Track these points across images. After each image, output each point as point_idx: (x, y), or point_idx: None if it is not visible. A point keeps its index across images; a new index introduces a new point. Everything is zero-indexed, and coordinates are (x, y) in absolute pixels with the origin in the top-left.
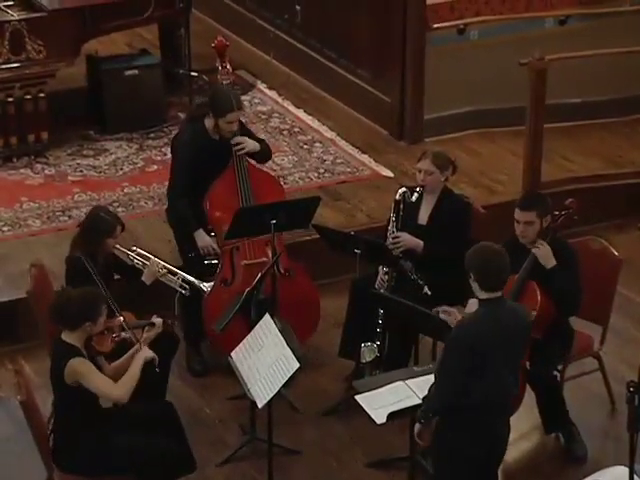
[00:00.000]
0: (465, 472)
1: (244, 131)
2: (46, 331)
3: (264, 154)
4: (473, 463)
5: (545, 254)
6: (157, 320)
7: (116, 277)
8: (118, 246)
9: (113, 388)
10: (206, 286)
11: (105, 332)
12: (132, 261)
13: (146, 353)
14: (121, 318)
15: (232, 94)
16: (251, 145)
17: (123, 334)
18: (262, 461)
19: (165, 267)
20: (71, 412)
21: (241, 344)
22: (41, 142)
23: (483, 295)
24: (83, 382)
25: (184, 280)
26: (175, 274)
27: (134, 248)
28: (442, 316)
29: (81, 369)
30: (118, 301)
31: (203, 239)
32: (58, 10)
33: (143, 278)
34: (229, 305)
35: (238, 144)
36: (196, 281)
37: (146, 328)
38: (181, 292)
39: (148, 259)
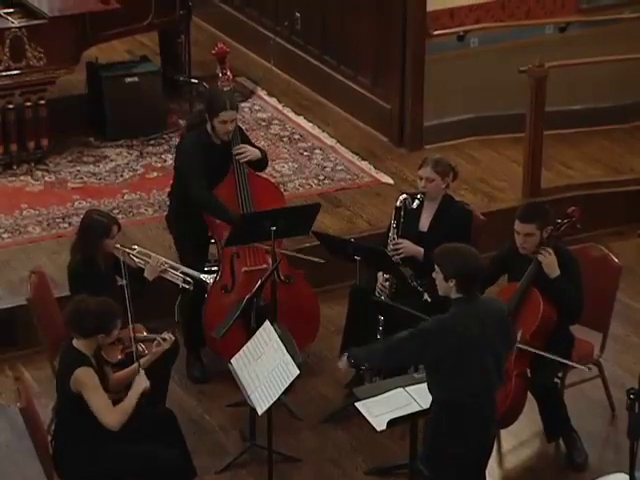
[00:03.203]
0: (447, 472)
1: (243, 139)
2: (46, 338)
3: (262, 163)
4: (454, 463)
5: (550, 263)
6: (168, 336)
7: (120, 283)
8: (118, 246)
9: (108, 413)
10: (207, 278)
11: (115, 342)
12: (133, 260)
13: (143, 383)
14: (131, 330)
15: (226, 94)
16: (253, 153)
17: (133, 346)
18: (262, 468)
19: (166, 262)
20: (72, 418)
21: (241, 351)
22: (41, 149)
23: (456, 295)
24: (84, 394)
25: (186, 274)
26: (177, 269)
27: (135, 247)
28: None
29: (86, 381)
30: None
31: None
32: (58, 17)
33: (145, 274)
34: (229, 312)
35: (240, 151)
36: (197, 273)
37: (155, 342)
38: (184, 286)
39: (149, 256)
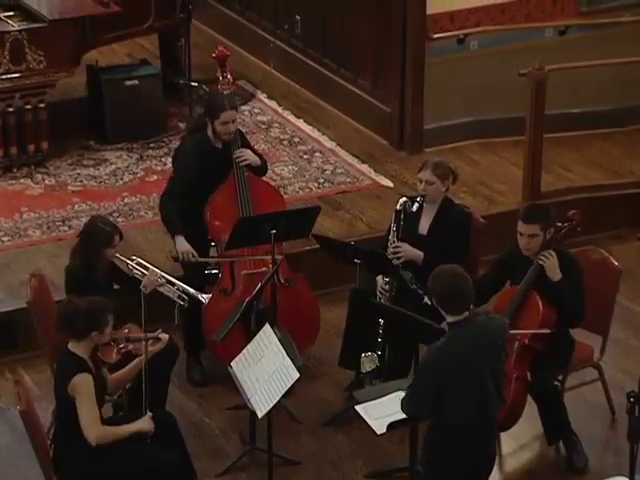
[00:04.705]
0: None
1: (244, 143)
2: (46, 341)
3: (262, 169)
4: (460, 477)
5: (552, 266)
6: (163, 335)
7: (116, 287)
8: (118, 255)
9: (93, 428)
10: (204, 297)
11: (111, 343)
12: (131, 270)
13: (146, 425)
14: (126, 330)
15: (225, 96)
16: (253, 158)
17: (128, 346)
18: (262, 471)
19: (164, 277)
20: (72, 422)
21: (241, 354)
22: (41, 152)
23: (450, 319)
24: (76, 400)
25: (182, 291)
26: (174, 284)
27: (134, 257)
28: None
29: (82, 389)
30: (118, 310)
31: (182, 244)
32: (58, 20)
33: (141, 287)
34: (229, 315)
35: (240, 156)
36: (194, 292)
37: (150, 341)
38: (179, 303)
39: (147, 268)
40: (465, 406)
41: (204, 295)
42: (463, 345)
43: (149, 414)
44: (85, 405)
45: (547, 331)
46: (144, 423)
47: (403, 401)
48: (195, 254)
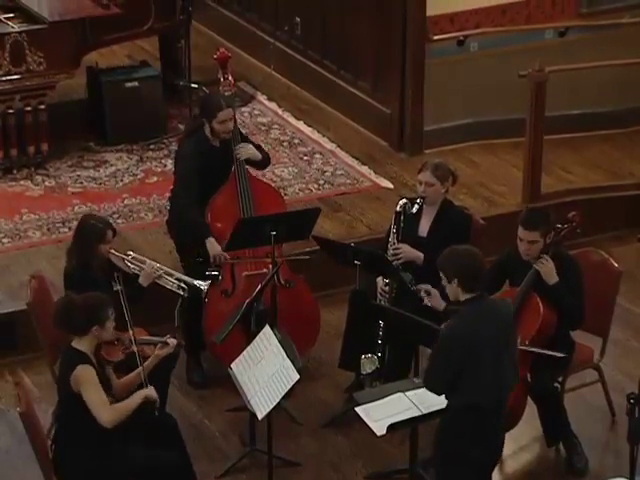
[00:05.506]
0: (465, 475)
1: (243, 138)
2: (46, 342)
3: (263, 163)
4: (473, 466)
5: (549, 271)
6: (171, 340)
7: (115, 288)
8: (113, 251)
9: (104, 410)
10: (202, 284)
11: (116, 342)
12: (128, 266)
13: (150, 392)
14: (131, 332)
15: (220, 95)
16: (252, 152)
17: (134, 347)
18: (262, 473)
19: (161, 268)
20: (73, 420)
21: (241, 355)
22: (41, 154)
23: (464, 296)
24: (82, 390)
25: (180, 280)
26: (171, 275)
27: (130, 253)
28: (423, 295)
29: (85, 378)
30: (118, 312)
31: (214, 247)
32: (58, 22)
33: (140, 280)
34: (229, 316)
35: (240, 151)
36: (190, 279)
37: (158, 345)
38: (179, 293)
39: (144, 262)
40: (481, 383)
41: (201, 282)
42: (479, 322)
43: (150, 387)
44: (91, 392)
45: (559, 354)
46: (148, 390)
47: (424, 376)
48: (227, 256)
